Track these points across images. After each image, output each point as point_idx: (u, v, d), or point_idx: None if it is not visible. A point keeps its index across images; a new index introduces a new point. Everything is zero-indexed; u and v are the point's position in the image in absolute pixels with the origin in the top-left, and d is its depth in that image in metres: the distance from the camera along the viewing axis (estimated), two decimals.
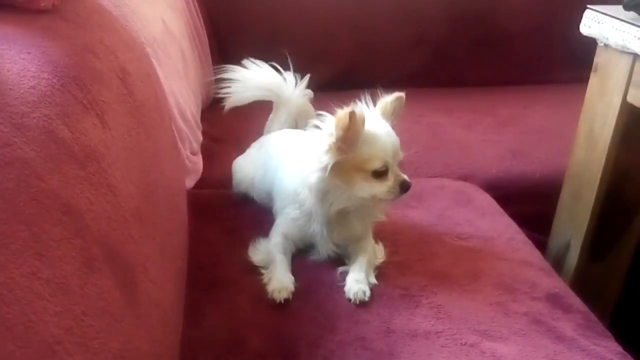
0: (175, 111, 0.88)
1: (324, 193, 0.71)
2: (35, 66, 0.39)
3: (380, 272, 0.73)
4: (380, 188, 0.69)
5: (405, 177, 0.70)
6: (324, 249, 0.75)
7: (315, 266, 0.75)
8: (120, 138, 0.48)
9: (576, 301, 0.70)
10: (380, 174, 0.69)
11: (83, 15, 0.52)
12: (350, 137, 0.66)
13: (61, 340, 0.31)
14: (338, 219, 0.73)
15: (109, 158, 0.44)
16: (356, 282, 0.68)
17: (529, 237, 0.86)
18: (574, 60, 1.14)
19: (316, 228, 0.74)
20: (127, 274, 0.43)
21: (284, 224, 0.77)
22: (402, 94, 0.73)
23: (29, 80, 0.37)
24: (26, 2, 0.45)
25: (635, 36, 0.80)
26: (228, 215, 0.89)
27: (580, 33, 0.91)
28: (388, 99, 0.73)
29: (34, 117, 0.36)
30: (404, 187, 0.69)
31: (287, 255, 0.75)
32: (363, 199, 0.70)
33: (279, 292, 0.67)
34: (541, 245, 0.92)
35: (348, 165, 0.68)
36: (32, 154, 0.34)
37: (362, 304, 0.66)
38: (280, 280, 0.69)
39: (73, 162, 0.38)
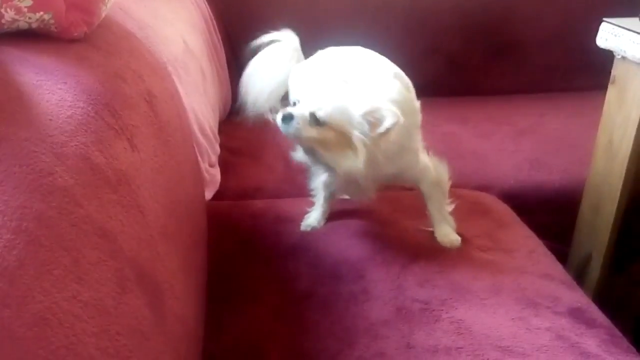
0: (195, 126, 0.90)
1: None
2: (71, 95, 0.41)
3: (400, 283, 0.73)
4: (278, 114, 0.71)
5: (291, 109, 0.68)
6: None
7: (333, 277, 0.76)
8: (147, 159, 0.50)
9: (599, 316, 0.69)
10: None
11: (111, 41, 0.55)
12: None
13: None
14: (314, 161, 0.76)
15: (138, 180, 0.46)
16: (446, 236, 0.80)
17: (549, 247, 0.85)
18: (591, 68, 1.13)
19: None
20: (155, 292, 0.44)
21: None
22: (396, 114, 0.67)
23: (66, 110, 0.40)
24: (61, 32, 0.48)
25: None
26: (246, 226, 0.90)
27: (596, 41, 0.91)
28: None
29: (72, 146, 0.38)
30: (282, 114, 0.68)
31: (328, 198, 0.84)
32: None
33: (306, 227, 0.84)
34: (562, 255, 0.91)
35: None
36: (72, 182, 0.36)
37: (381, 319, 0.67)
38: (311, 219, 0.85)
39: (107, 186, 0.40)
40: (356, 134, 0.66)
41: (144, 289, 0.42)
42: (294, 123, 0.68)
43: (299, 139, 0.70)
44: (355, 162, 0.68)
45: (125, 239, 0.41)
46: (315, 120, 0.67)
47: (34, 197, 0.33)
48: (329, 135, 0.68)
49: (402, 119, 0.65)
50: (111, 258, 0.38)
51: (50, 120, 0.38)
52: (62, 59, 0.45)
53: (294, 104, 0.71)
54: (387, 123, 0.65)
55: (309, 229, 0.84)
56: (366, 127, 0.65)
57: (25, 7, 0.44)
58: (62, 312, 0.31)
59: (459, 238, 0.79)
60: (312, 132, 0.68)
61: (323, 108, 0.67)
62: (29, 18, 0.44)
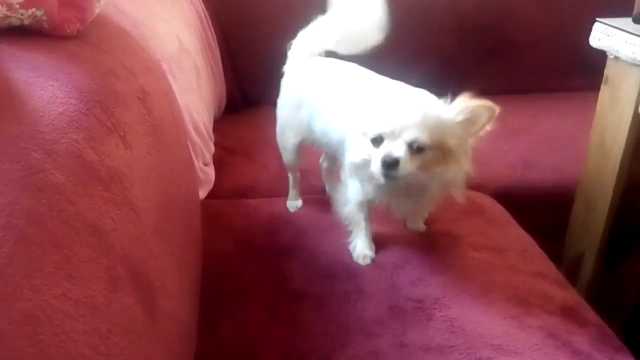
0: (190, 125, 0.90)
1: (357, 169, 0.69)
2: (63, 92, 0.41)
3: (393, 282, 0.73)
4: (374, 158, 0.62)
5: (392, 152, 0.60)
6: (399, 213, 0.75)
7: (327, 276, 0.76)
8: (140, 157, 0.50)
9: (591, 314, 0.70)
10: (376, 143, 0.63)
11: (105, 39, 0.54)
12: None
13: (89, 358, 0.32)
14: (396, 194, 0.69)
15: (131, 177, 0.46)
16: (416, 223, 0.82)
17: (543, 246, 0.85)
18: (584, 68, 1.14)
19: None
20: (147, 290, 0.44)
21: (361, 188, 0.74)
22: (492, 107, 0.63)
23: (58, 106, 0.39)
24: (53, 29, 0.47)
25: None
26: (240, 225, 0.90)
27: (589, 41, 0.91)
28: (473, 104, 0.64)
29: (64, 143, 0.37)
30: (384, 162, 0.60)
31: (368, 218, 0.78)
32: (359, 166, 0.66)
33: (364, 258, 0.77)
34: (555, 254, 0.91)
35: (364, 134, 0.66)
36: (63, 179, 0.36)
37: (375, 317, 0.67)
38: (364, 248, 0.77)
39: (99, 184, 0.40)
40: (454, 143, 0.63)
41: (136, 287, 0.42)
42: (401, 166, 0.60)
43: (403, 179, 0.62)
44: (460, 170, 0.64)
45: (117, 237, 0.40)
46: (413, 150, 0.61)
47: (25, 193, 0.32)
48: (429, 157, 0.62)
49: (497, 108, 0.63)
50: (102, 256, 0.37)
51: (42, 117, 0.37)
52: (55, 56, 0.45)
53: (374, 139, 0.63)
54: (484, 119, 0.62)
55: (369, 260, 0.76)
56: (460, 131, 0.63)
57: (17, 3, 0.43)
58: (52, 310, 0.30)
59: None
60: (415, 164, 0.61)
61: (421, 135, 0.61)
62: (21, 15, 0.44)
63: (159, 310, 0.46)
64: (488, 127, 0.65)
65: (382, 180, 0.63)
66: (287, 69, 0.89)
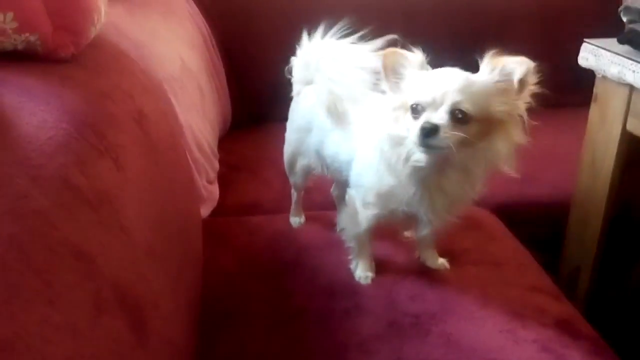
0: (192, 143, 0.91)
1: (393, 145, 0.63)
2: (53, 117, 0.41)
3: (392, 298, 0.73)
4: (412, 128, 0.58)
5: (433, 120, 0.57)
6: (429, 218, 0.67)
7: (327, 293, 0.75)
8: (134, 179, 0.50)
9: (586, 327, 0.69)
10: (416, 113, 0.59)
11: (101, 61, 0.55)
12: (388, 71, 0.62)
13: None
14: (434, 179, 0.64)
15: (122, 199, 0.46)
16: (438, 260, 0.79)
17: (541, 259, 0.85)
18: (579, 84, 1.14)
19: (413, 192, 0.65)
20: (137, 313, 0.44)
21: (377, 200, 0.70)
22: (524, 60, 0.59)
23: (47, 131, 0.40)
24: (47, 53, 0.48)
25: (630, 69, 0.81)
26: (243, 242, 0.90)
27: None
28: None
29: (51, 168, 0.38)
30: (423, 128, 0.57)
31: (370, 241, 0.77)
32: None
33: (365, 279, 0.77)
34: (553, 267, 0.92)
35: (404, 107, 0.62)
36: (48, 204, 0.36)
37: (373, 334, 0.66)
38: (365, 269, 0.77)
39: (87, 207, 0.40)
40: (501, 109, 0.59)
41: (125, 310, 0.41)
42: (441, 134, 0.57)
43: (444, 149, 0.59)
44: (509, 141, 0.60)
45: (105, 260, 0.40)
46: (456, 120, 0.58)
47: (6, 220, 0.32)
48: (473, 131, 0.59)
49: (530, 61, 0.59)
50: (88, 280, 0.37)
51: (29, 142, 0.38)
52: (47, 80, 0.45)
53: (414, 109, 0.61)
54: (518, 73, 0.57)
55: (369, 280, 0.76)
56: (504, 95, 0.59)
57: (11, 29, 0.44)
58: (30, 336, 0.30)
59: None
60: (458, 137, 0.58)
61: (463, 101, 0.58)
62: (14, 40, 0.45)
63: (151, 332, 0.45)
64: (532, 86, 0.59)
65: (419, 152, 0.60)
66: (294, 94, 0.89)
